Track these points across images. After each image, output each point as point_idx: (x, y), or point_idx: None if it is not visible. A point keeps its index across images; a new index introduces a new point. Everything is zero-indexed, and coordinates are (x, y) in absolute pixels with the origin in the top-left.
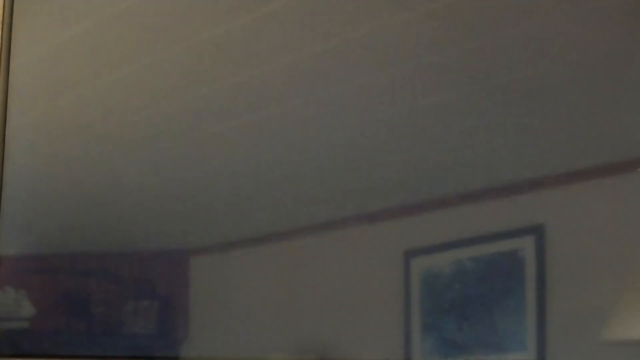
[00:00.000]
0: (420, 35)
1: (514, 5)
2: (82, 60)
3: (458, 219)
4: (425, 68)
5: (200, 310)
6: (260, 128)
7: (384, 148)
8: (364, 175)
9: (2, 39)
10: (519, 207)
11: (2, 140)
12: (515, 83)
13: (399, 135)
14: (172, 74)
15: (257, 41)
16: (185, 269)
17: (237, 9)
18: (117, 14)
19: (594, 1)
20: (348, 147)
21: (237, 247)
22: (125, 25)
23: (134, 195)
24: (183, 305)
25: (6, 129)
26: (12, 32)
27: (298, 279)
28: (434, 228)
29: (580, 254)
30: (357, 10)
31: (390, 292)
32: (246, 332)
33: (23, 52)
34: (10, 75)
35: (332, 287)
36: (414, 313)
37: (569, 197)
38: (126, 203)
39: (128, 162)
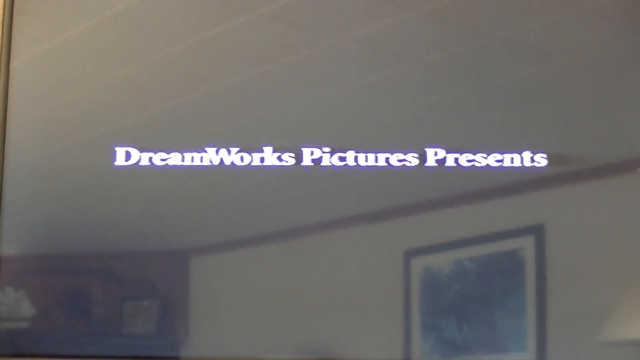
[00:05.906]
0: (420, 36)
1: (514, 5)
2: (82, 60)
3: (458, 219)
4: (425, 68)
5: (200, 310)
6: (260, 128)
7: (384, 148)
8: (364, 176)
9: (2, 38)
10: (519, 207)
11: (2, 140)
12: (515, 83)
13: (399, 134)
14: (172, 74)
15: (257, 41)
16: (185, 269)
17: (237, 9)
18: (116, 14)
19: (594, 1)
20: (347, 147)
21: (237, 247)
22: (124, 25)
23: (134, 196)
24: (183, 305)
25: (6, 128)
26: (12, 32)
27: (298, 279)
28: (434, 228)
29: (580, 254)
30: (357, 10)
31: (390, 292)
32: (246, 332)
33: (23, 52)
34: (10, 75)
35: (332, 287)
36: (414, 313)
37: (569, 197)
38: (126, 203)
39: (128, 162)
